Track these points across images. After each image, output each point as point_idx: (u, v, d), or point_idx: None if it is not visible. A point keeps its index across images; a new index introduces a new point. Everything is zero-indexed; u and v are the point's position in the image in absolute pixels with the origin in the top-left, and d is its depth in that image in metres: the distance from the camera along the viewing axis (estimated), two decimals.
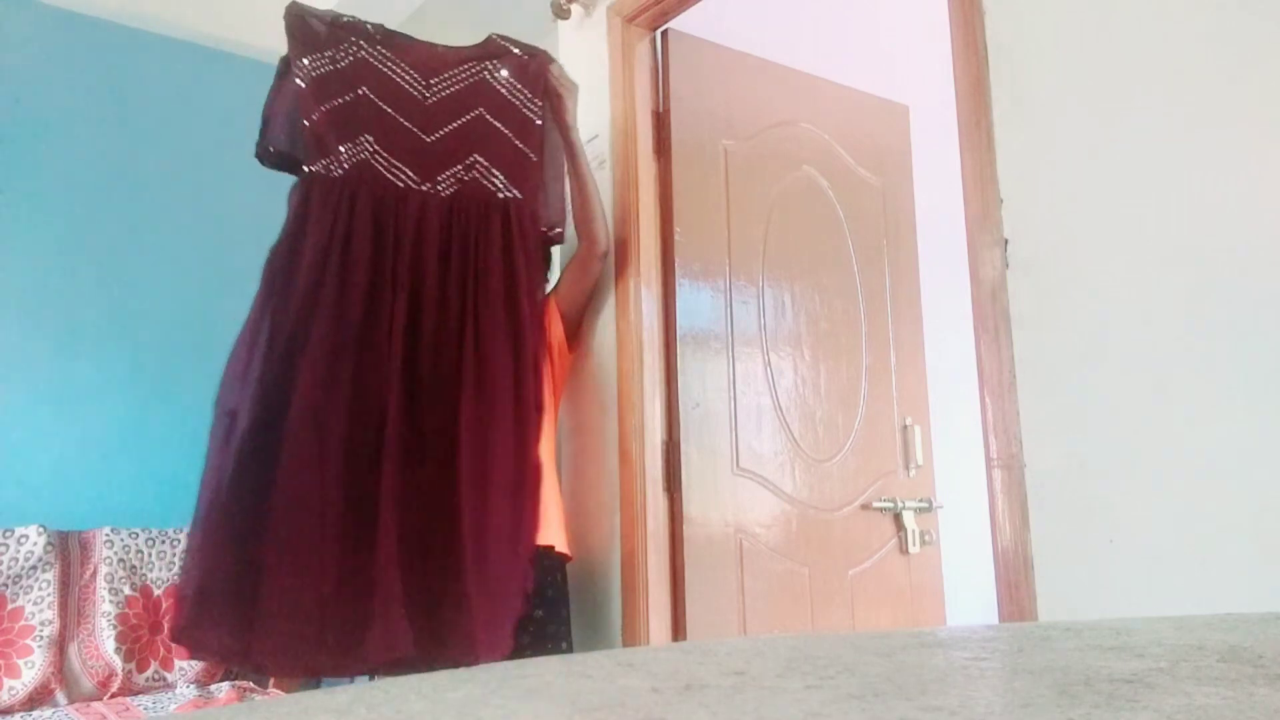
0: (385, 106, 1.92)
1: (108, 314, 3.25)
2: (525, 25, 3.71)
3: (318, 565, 1.66)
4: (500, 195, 1.92)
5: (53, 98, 3.25)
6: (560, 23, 2.58)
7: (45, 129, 3.22)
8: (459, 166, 1.92)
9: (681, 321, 2.30)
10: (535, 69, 2.01)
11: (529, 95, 1.99)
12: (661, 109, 2.39)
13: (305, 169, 1.84)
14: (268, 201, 3.57)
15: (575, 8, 2.52)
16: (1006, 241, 1.54)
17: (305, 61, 1.88)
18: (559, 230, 2.09)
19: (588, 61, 2.49)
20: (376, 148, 1.88)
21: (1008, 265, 1.54)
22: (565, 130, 2.05)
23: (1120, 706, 0.40)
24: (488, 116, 1.96)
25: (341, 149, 1.85)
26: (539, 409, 1.88)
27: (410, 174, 1.89)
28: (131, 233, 3.33)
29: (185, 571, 1.71)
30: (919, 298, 2.81)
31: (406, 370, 1.78)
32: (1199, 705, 0.40)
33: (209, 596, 1.64)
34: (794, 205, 2.56)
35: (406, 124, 1.92)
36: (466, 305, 1.83)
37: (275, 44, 3.57)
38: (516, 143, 1.96)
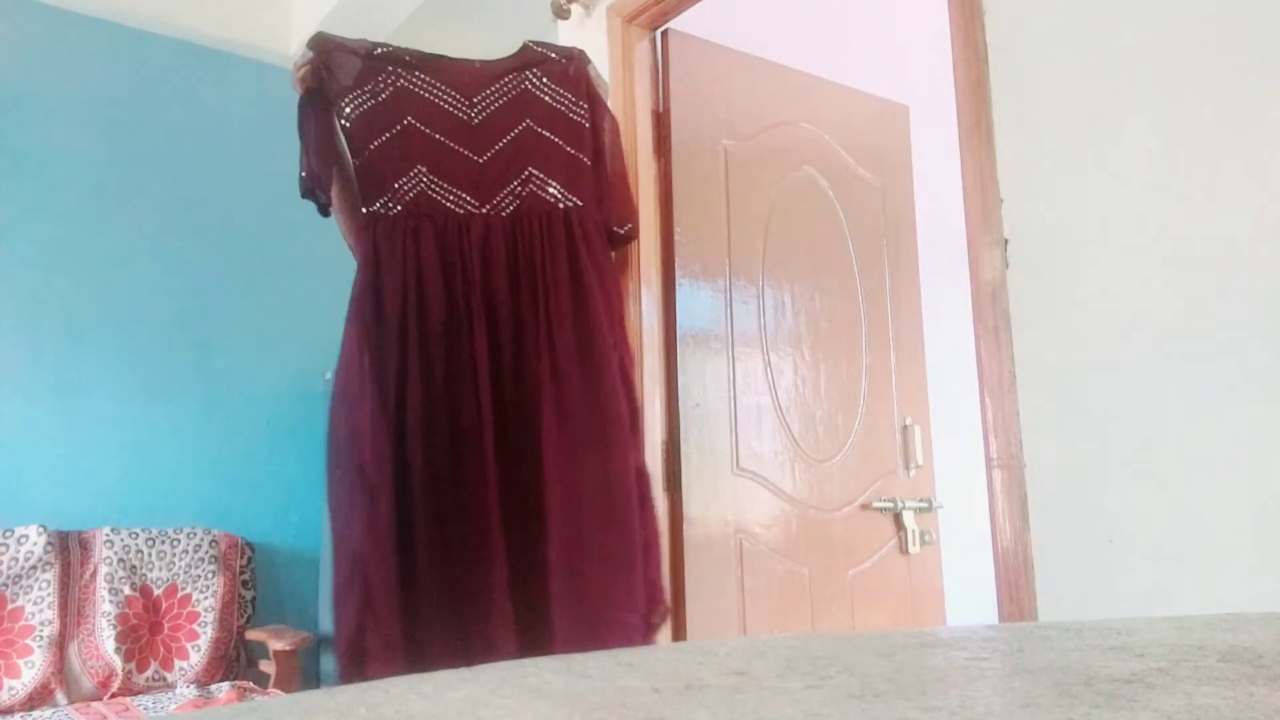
0: (433, 133, 1.88)
1: (108, 313, 3.25)
2: (525, 25, 3.72)
3: (455, 601, 1.66)
4: (560, 205, 1.88)
5: (53, 98, 3.25)
6: (560, 23, 2.58)
7: (45, 129, 3.23)
8: (515, 183, 1.88)
9: (681, 321, 2.30)
10: (575, 71, 1.98)
11: (573, 99, 1.95)
12: (661, 109, 2.39)
13: (363, 210, 1.82)
14: (267, 201, 3.58)
15: (575, 8, 2.52)
16: (1006, 241, 1.54)
17: (347, 100, 1.84)
18: (630, 227, 2.05)
19: None
20: (431, 177, 1.84)
21: (1008, 265, 1.54)
22: (600, 132, 2.02)
23: (1120, 706, 0.40)
24: (535, 127, 1.93)
25: (396, 184, 1.83)
26: (632, 414, 1.85)
27: (468, 198, 1.86)
28: (131, 232, 3.33)
29: (357, 626, 1.66)
30: (919, 298, 2.80)
31: (496, 400, 1.76)
32: (1199, 705, 0.40)
33: (389, 646, 1.62)
34: (794, 205, 2.56)
35: (456, 148, 1.88)
36: (540, 323, 1.80)
37: (275, 44, 3.58)
38: (568, 149, 1.92)
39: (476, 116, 1.92)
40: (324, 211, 1.86)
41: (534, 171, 1.90)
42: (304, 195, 1.83)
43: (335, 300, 3.69)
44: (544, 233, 1.86)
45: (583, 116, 1.95)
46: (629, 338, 2.26)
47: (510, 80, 1.97)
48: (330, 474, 1.74)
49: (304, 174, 1.81)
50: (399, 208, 1.81)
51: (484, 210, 1.86)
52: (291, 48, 3.58)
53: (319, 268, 3.60)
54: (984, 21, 1.61)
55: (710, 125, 2.44)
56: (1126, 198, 1.42)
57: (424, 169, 1.84)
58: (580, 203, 1.90)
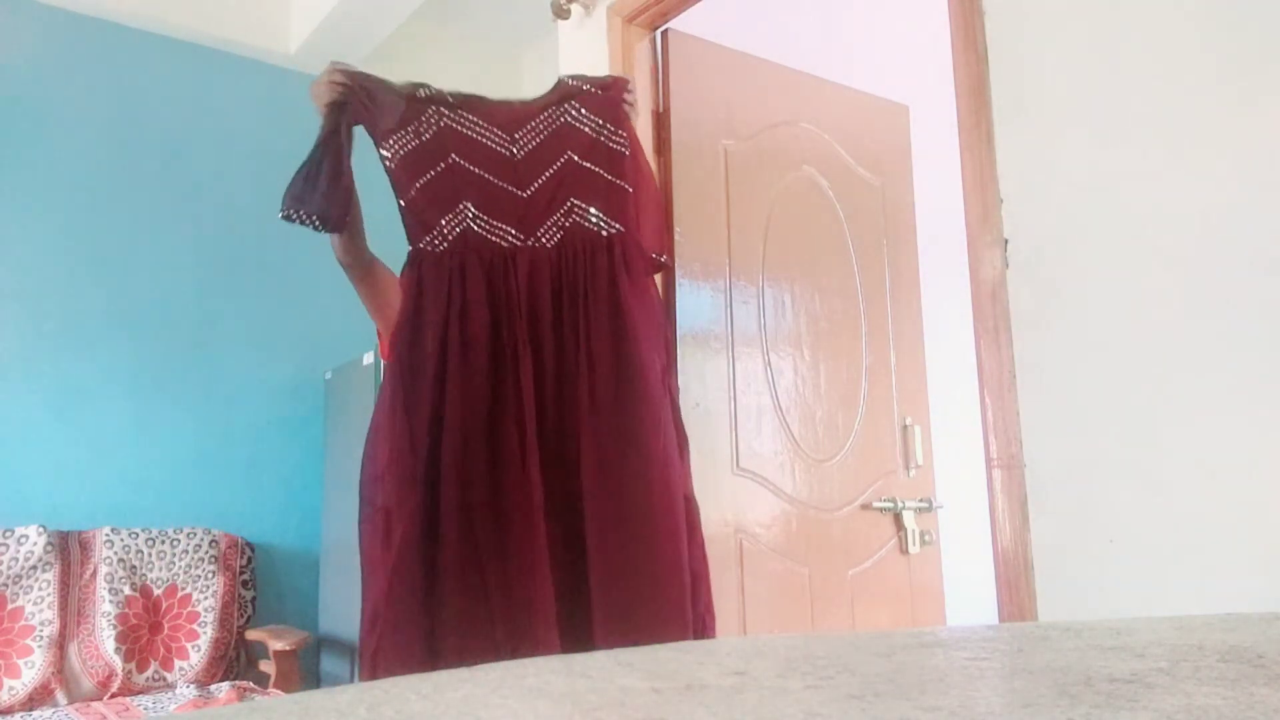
0: (477, 169, 1.88)
1: (108, 313, 3.25)
2: (525, 25, 3.72)
3: (503, 636, 1.65)
4: (604, 233, 1.89)
5: (53, 98, 3.25)
6: (560, 23, 2.58)
7: (45, 129, 3.23)
8: (558, 214, 1.89)
9: (681, 321, 2.30)
10: (610, 100, 1.99)
11: (613, 128, 1.97)
12: (661, 109, 2.39)
13: (410, 247, 1.83)
14: (267, 201, 3.57)
15: (575, 8, 2.52)
16: (1006, 241, 1.54)
17: (391, 140, 1.84)
18: (665, 256, 2.06)
19: (588, 61, 2.49)
20: (476, 212, 1.85)
21: (1008, 265, 1.54)
22: (638, 159, 2.02)
23: (1120, 706, 0.40)
24: (576, 159, 1.93)
25: (442, 221, 1.83)
26: (680, 443, 1.82)
27: (513, 232, 1.86)
28: (131, 232, 3.33)
29: (373, 674, 1.67)
30: (919, 298, 2.81)
31: (540, 434, 1.75)
32: (1199, 705, 0.40)
33: None
34: (794, 205, 2.56)
35: (501, 183, 1.89)
36: (581, 353, 1.79)
37: (275, 44, 3.58)
38: (609, 177, 1.93)
39: (519, 152, 1.93)
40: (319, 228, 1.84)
41: (576, 202, 1.90)
42: (303, 221, 1.80)
43: (335, 301, 3.69)
44: (589, 261, 1.86)
45: (622, 144, 1.96)
46: None
47: (550, 115, 1.97)
48: (359, 514, 1.74)
49: (325, 207, 1.79)
50: (445, 244, 1.82)
51: (529, 243, 1.86)
52: (292, 48, 3.58)
53: (319, 268, 3.60)
54: (984, 21, 1.61)
55: (710, 125, 2.44)
56: (1126, 198, 1.42)
57: (469, 205, 1.85)
58: (622, 229, 1.90)
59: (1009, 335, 1.52)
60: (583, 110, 1.96)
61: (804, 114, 2.62)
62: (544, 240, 1.86)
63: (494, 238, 1.84)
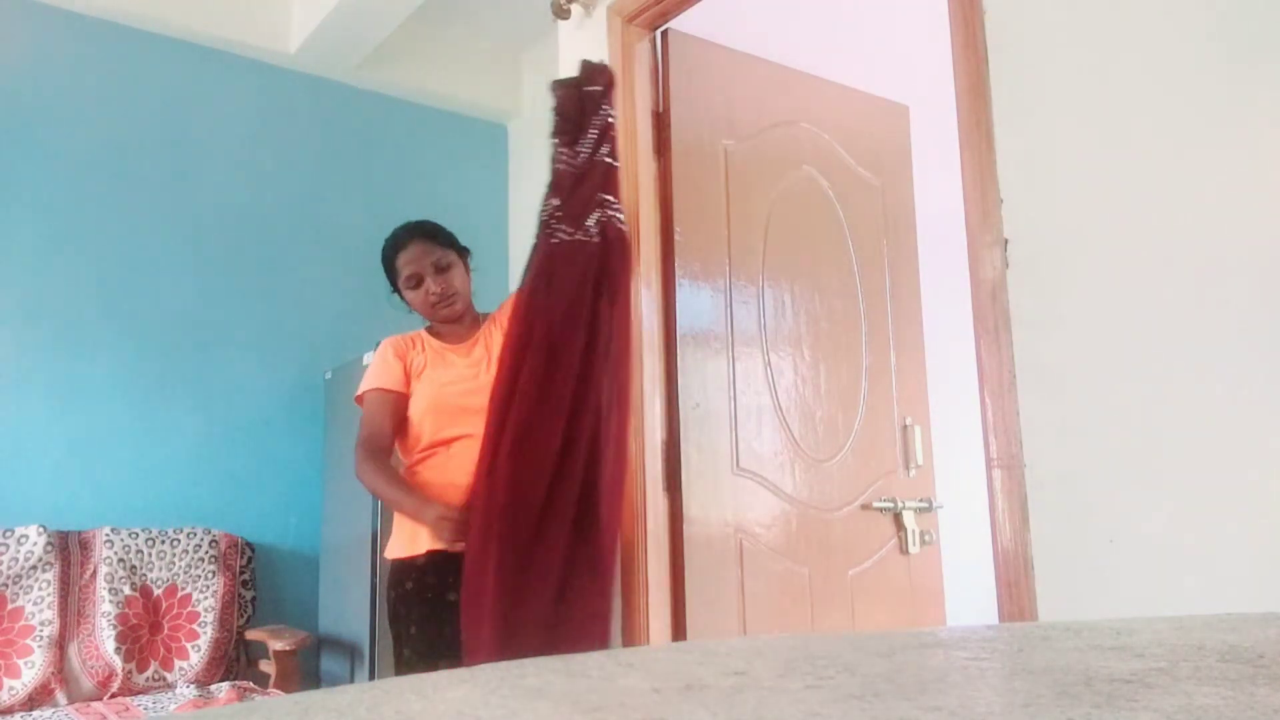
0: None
1: (108, 313, 3.25)
2: (525, 25, 3.72)
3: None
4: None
5: (52, 97, 3.25)
6: (560, 23, 2.57)
7: (45, 128, 3.23)
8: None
9: (681, 321, 2.30)
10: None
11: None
12: (661, 109, 2.39)
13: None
14: (268, 201, 3.57)
15: (575, 8, 2.52)
16: (1006, 241, 1.54)
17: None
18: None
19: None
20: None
21: (1008, 265, 1.54)
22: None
23: (1120, 706, 0.40)
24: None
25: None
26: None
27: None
28: (131, 232, 3.33)
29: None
30: (919, 298, 2.80)
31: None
32: (1199, 705, 0.40)
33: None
34: (794, 205, 2.56)
35: None
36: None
37: (275, 44, 3.58)
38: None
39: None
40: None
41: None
42: None
43: (335, 301, 3.69)
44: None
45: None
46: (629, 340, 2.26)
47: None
48: None
49: None
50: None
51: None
52: (292, 48, 3.58)
53: (319, 268, 3.60)
54: (984, 21, 1.61)
55: (710, 125, 2.44)
56: (1126, 197, 1.42)
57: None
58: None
59: (1009, 335, 1.52)
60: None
61: (804, 114, 2.62)
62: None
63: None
